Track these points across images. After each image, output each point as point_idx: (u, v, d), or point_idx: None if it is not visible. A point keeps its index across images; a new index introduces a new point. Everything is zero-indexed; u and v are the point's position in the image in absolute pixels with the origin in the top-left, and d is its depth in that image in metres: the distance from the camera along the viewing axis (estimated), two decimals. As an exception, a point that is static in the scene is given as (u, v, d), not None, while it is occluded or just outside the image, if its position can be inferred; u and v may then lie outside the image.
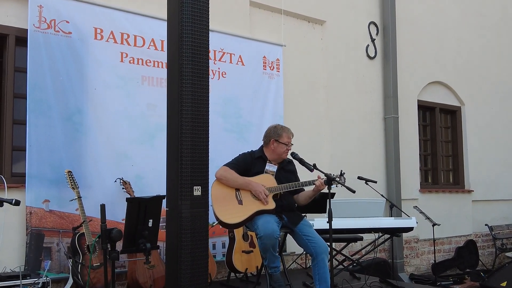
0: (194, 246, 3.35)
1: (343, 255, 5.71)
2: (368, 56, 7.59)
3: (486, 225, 8.64)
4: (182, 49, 3.39)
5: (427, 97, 8.41)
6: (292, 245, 5.82)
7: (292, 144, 4.46)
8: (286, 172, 4.49)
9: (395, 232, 5.31)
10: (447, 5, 8.81)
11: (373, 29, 7.66)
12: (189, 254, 3.32)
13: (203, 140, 3.48)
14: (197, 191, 3.41)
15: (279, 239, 4.22)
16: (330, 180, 4.01)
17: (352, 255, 6.10)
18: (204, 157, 3.49)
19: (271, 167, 4.43)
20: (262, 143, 4.54)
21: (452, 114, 8.93)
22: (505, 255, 8.06)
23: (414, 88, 8.16)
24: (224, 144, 5.63)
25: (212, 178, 3.86)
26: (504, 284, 4.32)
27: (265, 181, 4.26)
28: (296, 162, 4.46)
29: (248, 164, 4.37)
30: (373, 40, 7.64)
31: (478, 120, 9.04)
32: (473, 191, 8.76)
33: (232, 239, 5.25)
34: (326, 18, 7.11)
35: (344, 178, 4.23)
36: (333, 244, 5.24)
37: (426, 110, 8.58)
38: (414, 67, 8.14)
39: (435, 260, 7.24)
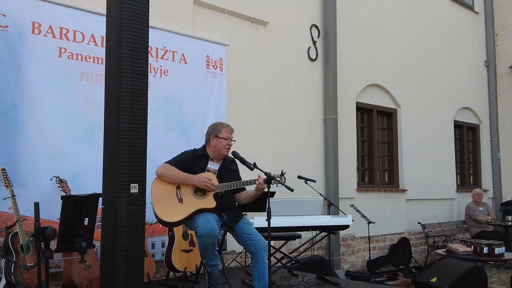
0: (130, 244, 3.33)
1: (282, 252, 5.81)
2: (309, 58, 7.75)
3: (419, 223, 9.00)
4: (121, 45, 3.36)
5: (365, 99, 8.67)
6: (232, 243, 5.88)
7: (234, 141, 4.51)
8: (228, 171, 4.53)
9: (332, 230, 5.45)
10: (387, 11, 9.12)
11: (314, 31, 7.82)
12: (125, 252, 3.29)
13: (141, 137, 3.46)
14: (134, 188, 3.39)
15: (219, 237, 4.25)
16: (269, 179, 4.08)
17: (290, 253, 6.21)
18: (141, 154, 3.47)
19: (213, 166, 4.45)
20: (204, 142, 4.57)
21: (389, 116, 9.25)
22: (436, 252, 8.42)
23: (353, 91, 8.39)
24: (166, 142, 5.59)
25: (150, 176, 3.84)
26: (434, 279, 4.54)
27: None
28: (237, 161, 4.50)
29: (190, 162, 4.38)
30: (314, 43, 7.80)
31: (413, 122, 9.42)
32: (407, 190, 9.11)
33: (171, 238, 5.24)
34: (269, 19, 7.20)
35: (285, 178, 4.31)
36: (273, 242, 5.33)
37: (364, 111, 8.84)
38: (354, 70, 8.38)
39: (370, 257, 7.48)
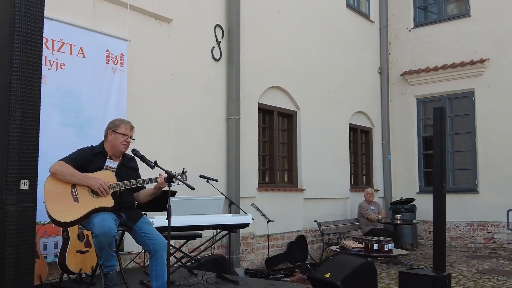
0: (20, 244, 3.16)
1: (182, 252, 5.78)
2: (213, 58, 7.77)
3: (315, 221, 9.34)
4: (14, 35, 3.18)
5: (267, 100, 8.85)
6: (130, 243, 5.74)
7: (133, 139, 4.41)
8: (127, 169, 4.42)
9: (232, 229, 5.52)
10: (289, 15, 9.38)
11: (218, 31, 7.85)
12: (14, 252, 3.12)
13: (33, 132, 3.30)
14: (24, 185, 3.22)
15: (116, 237, 4.14)
16: (170, 178, 4.04)
17: (190, 252, 6.19)
18: (33, 150, 3.31)
19: (111, 163, 4.33)
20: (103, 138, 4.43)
21: (289, 118, 9.52)
22: (331, 248, 8.80)
23: (256, 92, 8.53)
24: (61, 139, 5.35)
25: (43, 174, 3.66)
26: (328, 275, 4.74)
27: (105, 178, 4.15)
28: (138, 160, 4.41)
29: (86, 159, 4.22)
30: (218, 43, 7.84)
31: (311, 124, 9.76)
32: (305, 190, 9.43)
33: (66, 239, 5.02)
34: (173, 17, 7.12)
35: (186, 176, 4.29)
36: (173, 241, 5.29)
37: (265, 113, 9.03)
38: (257, 71, 8.52)
39: (268, 255, 7.65)
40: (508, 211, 9.60)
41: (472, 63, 11.04)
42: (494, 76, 10.84)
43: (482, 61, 10.92)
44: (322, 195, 9.94)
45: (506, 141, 10.56)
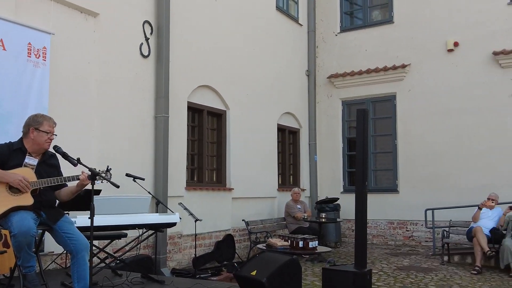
0: None
1: (106, 252, 5.64)
2: (142, 54, 7.64)
3: (243, 220, 9.40)
4: None
5: (196, 99, 8.81)
6: (51, 244, 5.53)
7: (55, 135, 4.26)
8: (48, 166, 4.26)
9: (159, 228, 5.45)
10: (220, 15, 9.39)
11: (147, 28, 7.73)
12: None
13: None
14: None
15: (36, 237, 3.99)
16: (94, 175, 3.94)
17: (115, 252, 6.06)
18: None
19: (31, 161, 4.16)
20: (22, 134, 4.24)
21: (218, 117, 9.53)
22: (258, 247, 8.89)
23: (185, 90, 8.48)
24: (-23, 134, 5.07)
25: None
26: (254, 273, 4.79)
27: (23, 175, 3.98)
28: (59, 157, 4.26)
29: (4, 156, 4.04)
30: (147, 39, 7.72)
31: (241, 124, 9.82)
32: (233, 189, 9.48)
33: (-19, 239, 4.77)
34: (100, 11, 6.93)
35: (110, 174, 4.19)
36: (97, 241, 5.16)
37: (195, 111, 8.99)
38: (186, 69, 8.47)
39: (196, 254, 7.62)
40: (426, 210, 10.09)
41: (394, 68, 11.54)
42: (415, 81, 11.38)
43: (403, 66, 11.42)
44: (250, 194, 10.03)
45: (424, 143, 11.11)
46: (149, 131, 7.73)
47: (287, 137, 11.85)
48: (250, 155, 10.03)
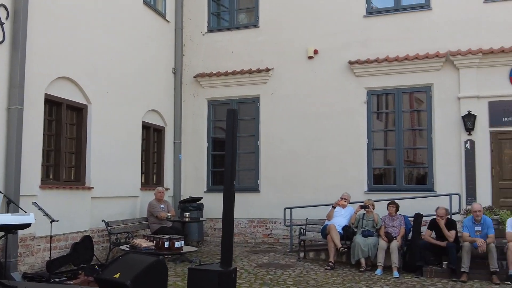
0: None
1: None
2: (-5, 39, 6.97)
3: (103, 220, 9.00)
4: None
5: (55, 91, 8.25)
6: None
7: None
8: None
9: (10, 229, 5.01)
10: (84, 3, 8.90)
11: (3, 12, 7.08)
12: None
13: None
14: None
15: None
16: None
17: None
18: None
19: None
20: None
21: (79, 112, 9.01)
22: (120, 248, 8.57)
23: (43, 81, 7.90)
24: None
25: None
26: (117, 275, 4.59)
27: None
28: None
29: None
30: (2, 24, 7.06)
31: (103, 120, 9.39)
32: (93, 188, 9.03)
33: None
34: None
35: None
36: None
37: (53, 104, 8.39)
38: (45, 58, 7.90)
39: (50, 257, 7.12)
40: (285, 209, 10.53)
41: (259, 71, 11.87)
42: (277, 84, 11.81)
43: (267, 70, 11.81)
44: (112, 193, 9.66)
45: (285, 145, 11.58)
46: (1, 124, 7.06)
47: (152, 135, 11.61)
48: (112, 153, 9.64)
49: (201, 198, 11.67)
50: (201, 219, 10.86)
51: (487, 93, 10.10)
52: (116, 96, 9.86)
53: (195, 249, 9.10)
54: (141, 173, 11.03)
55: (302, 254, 9.84)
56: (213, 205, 11.53)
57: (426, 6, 10.90)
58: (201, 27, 12.63)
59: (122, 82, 10.05)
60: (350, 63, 11.11)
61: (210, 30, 12.66)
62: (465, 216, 9.07)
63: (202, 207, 11.51)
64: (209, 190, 12.18)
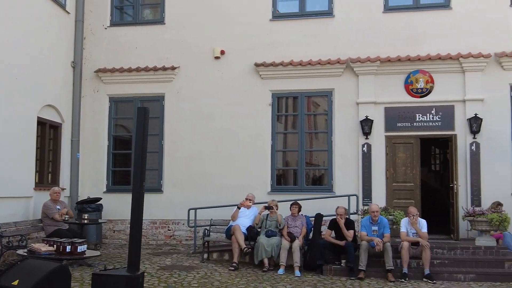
0: None
1: None
2: None
3: (-7, 223, 8.35)
4: None
5: None
6: None
7: None
8: None
9: None
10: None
11: None
12: None
13: None
14: None
15: None
16: None
17: None
18: None
19: None
20: None
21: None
22: (17, 253, 7.95)
23: None
24: None
25: None
26: (16, 282, 4.24)
27: None
28: None
29: None
30: None
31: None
32: (-18, 188, 8.34)
33: None
34: None
35: None
36: None
37: None
38: None
39: None
40: (189, 210, 10.39)
41: (164, 69, 11.63)
42: (183, 83, 11.64)
43: (173, 68, 11.60)
44: (2, 193, 8.99)
45: (190, 145, 11.44)
46: None
47: (48, 132, 10.92)
48: (3, 150, 8.97)
49: (101, 198, 11.21)
50: (100, 220, 10.40)
51: (383, 100, 10.70)
52: (9, 89, 9.21)
53: (98, 253, 8.70)
54: (35, 172, 10.35)
55: (206, 255, 9.78)
56: (113, 206, 11.14)
57: (329, 14, 11.29)
58: (103, 21, 12.11)
59: (15, 74, 9.40)
60: (256, 65, 11.24)
61: (113, 24, 12.20)
62: (362, 216, 9.51)
63: (101, 208, 11.06)
64: (109, 190, 11.72)
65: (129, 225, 11.30)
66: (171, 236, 11.47)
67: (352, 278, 8.33)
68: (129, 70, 11.72)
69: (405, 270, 8.30)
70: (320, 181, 11.51)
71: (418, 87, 10.61)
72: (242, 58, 11.38)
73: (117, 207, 11.23)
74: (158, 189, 11.55)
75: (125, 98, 11.92)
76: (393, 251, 8.46)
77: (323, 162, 11.42)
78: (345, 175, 10.80)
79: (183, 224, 11.07)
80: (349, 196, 9.98)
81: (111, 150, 11.96)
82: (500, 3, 10.56)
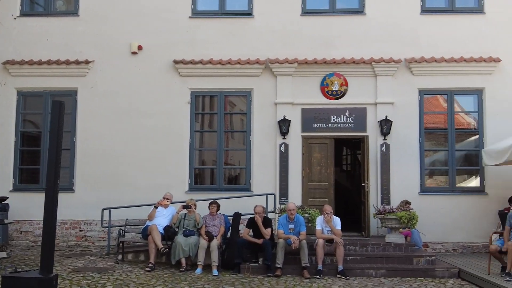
0: None
1: None
2: None
3: None
4: None
5: None
6: None
7: None
8: None
9: None
10: None
11: None
12: None
13: None
14: None
15: None
16: None
17: None
18: None
19: None
20: None
21: None
22: None
23: None
24: None
25: None
26: None
27: None
28: None
29: None
30: None
31: None
32: None
33: None
34: None
35: None
36: None
37: None
38: None
39: None
40: (103, 209, 10.00)
41: (77, 62, 11.16)
42: (98, 78, 11.23)
43: (87, 62, 11.16)
44: None
45: (104, 142, 11.05)
46: None
47: None
48: None
49: (7, 198, 10.55)
50: (6, 221, 9.77)
51: (300, 101, 10.94)
52: None
53: (5, 255, 8.18)
54: None
55: (120, 256, 9.48)
56: (20, 205, 10.57)
57: (248, 14, 11.36)
58: (12, 10, 11.45)
59: None
60: (175, 62, 11.08)
61: (23, 14, 11.56)
62: (279, 214, 9.66)
63: (7, 208, 10.42)
64: (16, 189, 11.07)
65: (37, 226, 10.90)
66: (83, 237, 11.02)
67: (269, 275, 8.43)
68: (40, 62, 11.14)
69: (319, 266, 8.53)
70: (238, 180, 11.54)
71: (333, 89, 10.95)
72: (161, 54, 11.18)
73: (25, 206, 10.66)
74: (69, 188, 11.03)
75: (34, 92, 11.31)
76: (309, 249, 8.66)
77: (241, 161, 11.46)
78: (263, 174, 10.92)
79: (96, 224, 10.69)
80: (266, 195, 10.12)
81: (19, 146, 11.28)
82: (411, 11, 11.14)
